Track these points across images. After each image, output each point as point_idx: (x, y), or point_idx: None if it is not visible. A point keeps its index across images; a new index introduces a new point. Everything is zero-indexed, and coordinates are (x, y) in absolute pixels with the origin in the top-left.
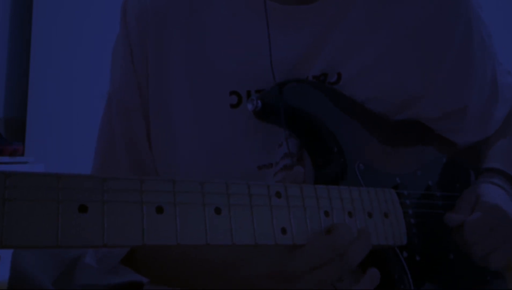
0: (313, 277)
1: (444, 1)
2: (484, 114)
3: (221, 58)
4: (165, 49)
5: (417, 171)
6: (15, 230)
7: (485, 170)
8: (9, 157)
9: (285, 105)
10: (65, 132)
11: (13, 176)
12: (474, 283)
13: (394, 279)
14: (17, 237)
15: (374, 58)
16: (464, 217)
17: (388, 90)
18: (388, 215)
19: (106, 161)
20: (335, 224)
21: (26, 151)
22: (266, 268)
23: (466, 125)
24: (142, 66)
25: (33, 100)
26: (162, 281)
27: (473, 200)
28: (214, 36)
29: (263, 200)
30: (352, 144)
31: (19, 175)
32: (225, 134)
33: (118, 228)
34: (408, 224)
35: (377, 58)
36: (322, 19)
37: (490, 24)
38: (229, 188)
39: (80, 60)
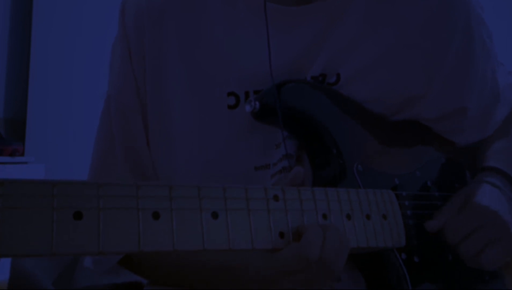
0: (289, 282)
1: (445, 1)
2: (484, 115)
3: (218, 59)
4: (163, 50)
5: (416, 171)
6: (10, 239)
7: (481, 169)
8: (9, 157)
9: (283, 105)
10: (65, 132)
11: (7, 184)
12: (473, 284)
13: (392, 280)
14: (12, 246)
15: (374, 58)
16: (442, 220)
17: (388, 91)
18: (386, 216)
19: (105, 162)
20: (305, 227)
21: (26, 151)
22: (255, 272)
23: (466, 126)
24: (140, 67)
25: (33, 100)
26: (159, 283)
27: (460, 202)
28: (211, 38)
29: (261, 204)
30: (351, 145)
31: (13, 183)
32: (223, 135)
33: (114, 234)
34: (407, 225)
35: (377, 58)
36: (321, 20)
37: (491, 25)
38: (226, 192)
39: (80, 60)
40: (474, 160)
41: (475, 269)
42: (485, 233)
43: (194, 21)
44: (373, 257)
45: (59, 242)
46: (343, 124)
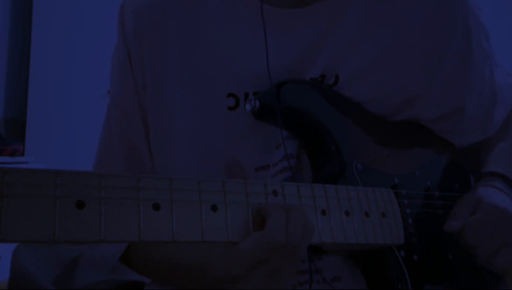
0: (256, 275)
1: (445, 1)
2: (484, 115)
3: (218, 60)
4: (163, 50)
5: (416, 171)
6: (13, 226)
7: (485, 174)
8: (9, 157)
9: (283, 105)
10: (65, 132)
11: (11, 172)
12: (473, 283)
13: (391, 278)
14: (15, 232)
15: (374, 58)
16: (462, 222)
17: (388, 91)
18: (385, 214)
19: (103, 164)
20: (268, 209)
21: (26, 151)
22: (221, 270)
23: (465, 127)
24: (140, 69)
25: (33, 100)
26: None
27: (472, 204)
28: (211, 39)
29: (260, 198)
30: (350, 144)
31: (17, 171)
32: (222, 136)
33: (115, 224)
34: (406, 223)
35: (377, 58)
36: (320, 21)
37: (490, 25)
38: (226, 186)
39: (80, 60)
40: (475, 161)
41: (475, 269)
42: (502, 235)
43: (194, 21)
44: (372, 256)
45: (61, 231)
46: (342, 124)
